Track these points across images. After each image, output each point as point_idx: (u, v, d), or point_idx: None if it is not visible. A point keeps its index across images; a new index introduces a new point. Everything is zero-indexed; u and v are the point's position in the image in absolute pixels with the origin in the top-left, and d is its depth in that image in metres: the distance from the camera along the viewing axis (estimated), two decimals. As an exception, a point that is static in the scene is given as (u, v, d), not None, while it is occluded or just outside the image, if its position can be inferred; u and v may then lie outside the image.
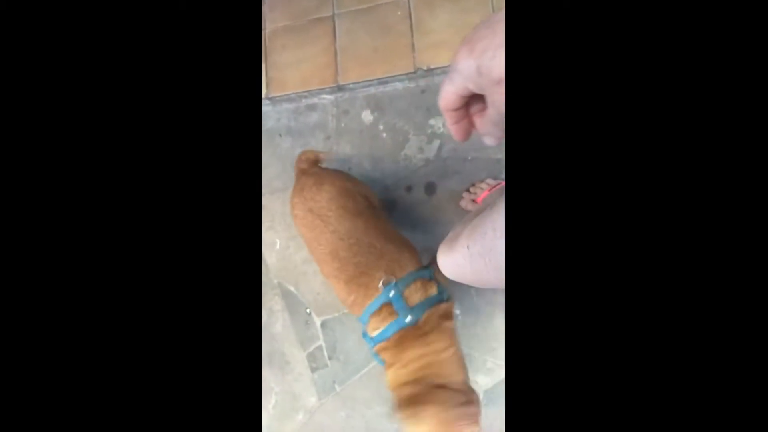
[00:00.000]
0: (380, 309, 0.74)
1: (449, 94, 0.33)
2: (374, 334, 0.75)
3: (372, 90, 1.20)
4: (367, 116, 1.20)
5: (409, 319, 0.72)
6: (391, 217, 1.14)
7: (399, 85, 1.18)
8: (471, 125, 0.36)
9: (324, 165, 0.95)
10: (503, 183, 1.06)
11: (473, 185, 1.08)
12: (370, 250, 0.77)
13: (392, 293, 0.73)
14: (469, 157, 1.11)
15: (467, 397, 0.70)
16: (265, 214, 1.25)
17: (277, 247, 1.22)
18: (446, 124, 0.40)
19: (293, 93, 1.25)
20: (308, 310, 1.18)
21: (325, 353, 1.16)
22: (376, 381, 1.13)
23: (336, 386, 1.14)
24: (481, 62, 0.29)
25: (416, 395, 0.67)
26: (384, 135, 1.18)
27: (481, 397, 1.07)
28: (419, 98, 1.16)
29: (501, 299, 1.08)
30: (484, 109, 0.34)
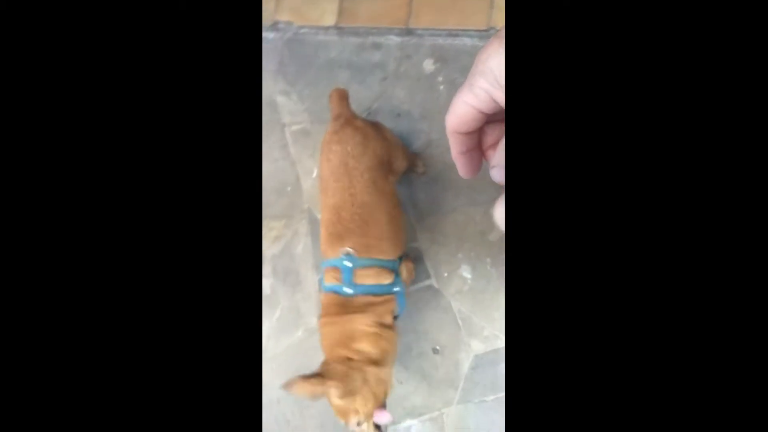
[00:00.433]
0: (333, 269, 0.87)
1: (465, 107, 0.24)
2: (325, 282, 0.89)
3: (440, 40, 1.18)
4: (428, 65, 1.18)
5: (346, 291, 0.84)
6: (423, 176, 1.15)
7: (468, 41, 1.15)
8: (482, 156, 0.28)
9: (371, 115, 0.97)
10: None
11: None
12: (363, 225, 0.87)
13: (345, 263, 0.85)
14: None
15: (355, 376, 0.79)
16: (309, 142, 1.28)
17: (314, 175, 1.27)
18: (451, 151, 0.28)
19: (361, 27, 1.25)
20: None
21: (336, 283, 1.22)
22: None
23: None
24: None
25: (326, 363, 0.80)
26: (441, 87, 1.16)
27: (470, 359, 1.11)
28: (485, 58, 1.13)
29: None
30: (501, 137, 0.26)
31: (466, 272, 1.13)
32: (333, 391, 0.75)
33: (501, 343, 1.08)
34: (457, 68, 1.15)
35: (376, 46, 1.24)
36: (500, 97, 0.23)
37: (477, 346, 1.11)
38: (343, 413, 0.80)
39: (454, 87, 1.15)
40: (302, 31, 1.34)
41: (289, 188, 1.29)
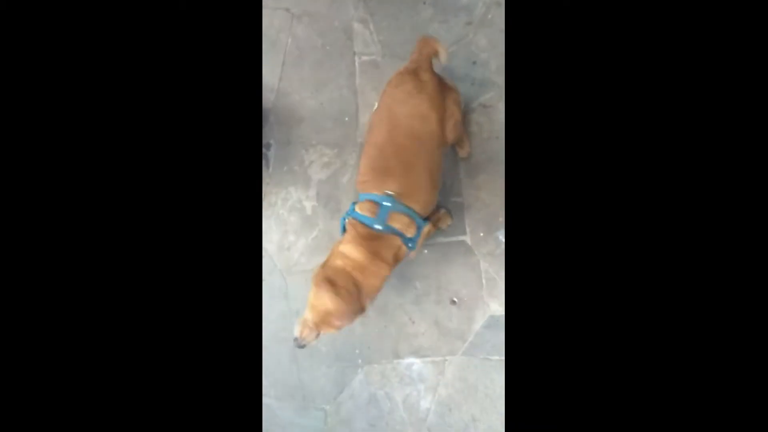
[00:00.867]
0: (372, 203, 0.94)
1: None
2: (356, 210, 0.97)
3: (536, -8, 1.10)
4: (517, 18, 1.12)
5: (377, 227, 0.93)
6: (464, 159, 1.12)
7: None
8: None
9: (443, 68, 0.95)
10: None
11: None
12: (405, 167, 0.93)
13: (385, 203, 0.93)
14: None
15: (357, 307, 0.92)
16: (376, 74, 1.27)
17: (374, 109, 1.27)
18: None
19: (457, -37, 1.18)
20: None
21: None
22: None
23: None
24: None
25: (330, 275, 0.91)
26: (524, 44, 1.11)
27: (485, 318, 1.15)
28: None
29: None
30: None
31: (502, 236, 1.14)
32: (333, 291, 0.88)
33: (519, 310, 1.11)
34: (547, 26, 1.08)
35: (467, -13, 1.17)
36: None
37: (495, 308, 1.14)
38: (323, 315, 0.90)
39: (538, 46, 1.09)
40: (393, -43, 1.28)
41: (347, 118, 1.30)
